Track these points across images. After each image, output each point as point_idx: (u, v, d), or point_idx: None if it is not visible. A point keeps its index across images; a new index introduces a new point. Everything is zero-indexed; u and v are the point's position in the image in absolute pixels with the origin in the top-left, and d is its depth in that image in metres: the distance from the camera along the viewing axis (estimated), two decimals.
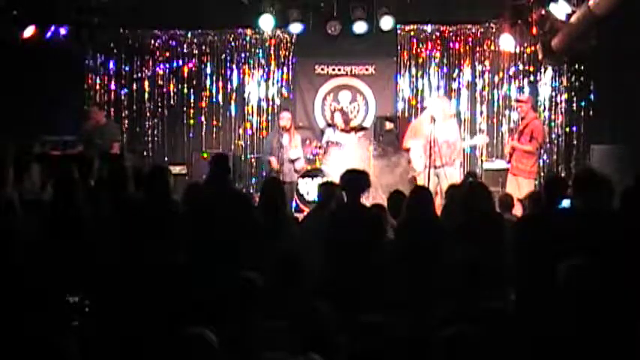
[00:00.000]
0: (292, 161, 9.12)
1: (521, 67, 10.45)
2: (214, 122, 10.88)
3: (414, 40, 10.64)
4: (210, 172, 5.46)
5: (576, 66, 10.15)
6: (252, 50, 10.85)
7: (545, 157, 10.12)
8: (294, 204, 9.07)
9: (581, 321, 3.44)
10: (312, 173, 9.23)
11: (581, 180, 4.54)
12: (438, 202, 6.91)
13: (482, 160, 10.26)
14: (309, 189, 9.06)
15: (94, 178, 5.72)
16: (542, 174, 9.44)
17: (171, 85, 10.88)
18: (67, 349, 2.75)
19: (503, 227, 4.87)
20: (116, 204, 5.10)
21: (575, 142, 10.27)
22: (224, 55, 10.86)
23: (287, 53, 10.84)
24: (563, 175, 9.97)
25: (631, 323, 3.51)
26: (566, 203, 4.62)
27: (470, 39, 10.55)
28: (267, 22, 9.97)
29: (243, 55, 10.85)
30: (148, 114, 10.92)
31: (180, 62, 10.84)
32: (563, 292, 3.59)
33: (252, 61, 10.84)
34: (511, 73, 10.49)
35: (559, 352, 3.37)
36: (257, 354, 3.10)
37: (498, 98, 10.57)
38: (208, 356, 2.88)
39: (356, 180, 5.06)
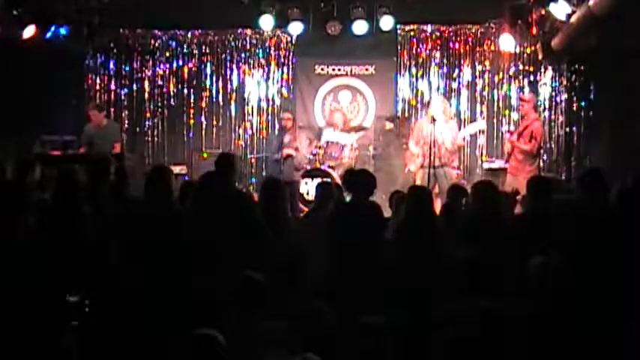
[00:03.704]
0: (281, 160, 9.09)
1: (521, 67, 10.44)
2: (214, 122, 10.88)
3: (414, 40, 10.64)
4: (215, 170, 5.40)
5: (576, 66, 10.14)
6: (252, 50, 10.85)
7: (545, 157, 10.11)
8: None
9: (554, 317, 3.47)
10: (313, 173, 9.22)
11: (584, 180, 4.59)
12: (437, 202, 6.92)
13: (482, 160, 10.26)
14: (309, 189, 9.06)
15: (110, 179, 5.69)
16: (542, 174, 9.43)
17: (171, 85, 10.89)
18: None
19: (506, 227, 4.89)
20: (116, 204, 5.11)
21: (575, 142, 10.26)
22: (224, 55, 10.87)
23: (287, 53, 10.85)
24: (563, 175, 10.00)
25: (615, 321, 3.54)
26: None
27: (470, 39, 10.55)
28: (267, 22, 9.97)
29: (243, 55, 10.86)
30: (148, 114, 10.92)
31: (181, 62, 10.85)
32: (534, 289, 3.64)
33: (252, 61, 10.85)
34: (511, 73, 10.48)
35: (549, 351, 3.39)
36: (257, 354, 3.10)
37: (498, 98, 10.56)
38: (217, 357, 2.88)
39: (366, 183, 5.13)
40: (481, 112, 10.58)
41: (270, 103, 10.89)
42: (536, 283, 3.71)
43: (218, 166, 5.24)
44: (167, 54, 10.85)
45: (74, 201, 4.74)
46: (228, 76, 10.88)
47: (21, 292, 3.92)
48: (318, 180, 8.22)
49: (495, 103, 10.58)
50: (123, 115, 10.84)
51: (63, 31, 9.28)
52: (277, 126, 10.38)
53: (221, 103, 10.89)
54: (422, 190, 5.41)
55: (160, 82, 10.89)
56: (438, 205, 6.39)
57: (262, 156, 10.54)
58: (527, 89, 10.21)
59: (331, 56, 10.73)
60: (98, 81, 10.85)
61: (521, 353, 3.37)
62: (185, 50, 10.85)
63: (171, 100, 10.90)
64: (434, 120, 8.08)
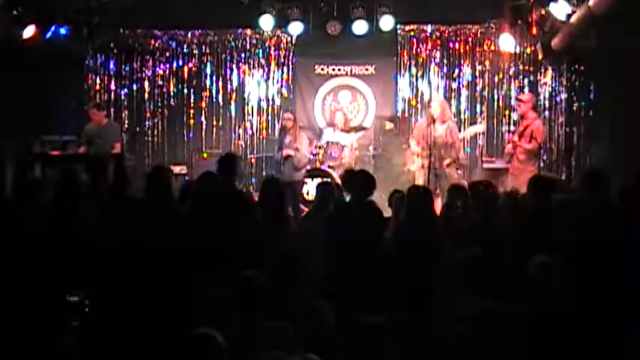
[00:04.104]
0: (284, 159, 9.08)
1: (521, 67, 10.44)
2: (214, 122, 10.88)
3: (414, 40, 10.65)
4: (217, 170, 5.40)
5: (576, 66, 10.14)
6: (252, 50, 10.85)
7: (545, 157, 10.11)
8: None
9: (554, 317, 3.48)
10: (313, 173, 9.22)
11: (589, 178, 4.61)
12: (438, 203, 6.92)
13: (482, 160, 10.26)
14: (309, 189, 9.06)
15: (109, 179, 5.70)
16: (542, 174, 9.42)
17: (172, 85, 10.89)
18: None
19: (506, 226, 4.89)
20: (117, 204, 5.11)
21: (575, 142, 10.26)
22: (224, 55, 10.87)
23: (287, 53, 10.85)
24: (563, 175, 9.99)
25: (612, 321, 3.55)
26: None
27: (470, 39, 10.56)
28: (267, 22, 9.98)
29: (243, 55, 10.86)
30: (148, 114, 10.92)
31: (181, 62, 10.85)
32: (534, 289, 3.65)
33: (252, 61, 10.85)
34: (511, 73, 10.48)
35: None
36: (257, 354, 3.10)
37: (498, 98, 10.56)
38: (217, 357, 2.88)
39: (365, 183, 5.15)
40: (481, 112, 10.58)
41: (270, 103, 10.89)
42: (536, 282, 3.72)
43: (220, 166, 5.25)
44: (167, 54, 10.86)
45: (75, 201, 4.74)
46: (228, 76, 10.89)
47: (21, 292, 3.92)
48: (318, 180, 8.23)
49: (495, 103, 10.58)
50: (123, 115, 10.84)
51: (63, 31, 9.28)
52: (277, 126, 10.38)
53: (221, 103, 10.89)
54: (422, 189, 5.40)
55: (160, 82, 10.89)
56: (438, 205, 6.40)
57: (262, 156, 10.55)
58: (526, 89, 10.21)
59: (331, 56, 10.74)
60: (98, 81, 10.85)
61: (521, 353, 3.37)
62: (185, 50, 10.86)
63: (171, 100, 10.90)
64: (433, 120, 8.08)
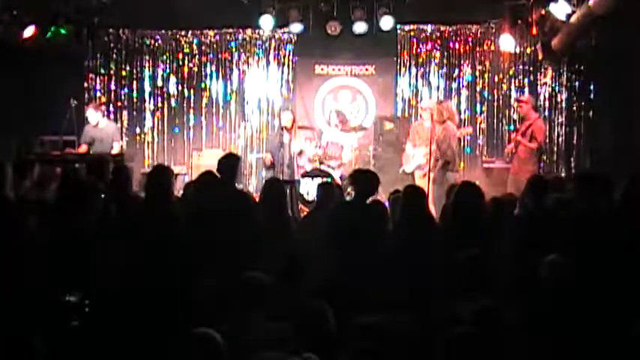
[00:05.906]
0: (299, 154, 9.10)
1: (521, 67, 10.45)
2: (214, 122, 10.89)
3: (414, 40, 10.65)
4: (217, 169, 5.39)
5: (576, 66, 10.15)
6: (252, 50, 10.85)
7: (544, 157, 10.11)
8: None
9: (560, 316, 3.48)
10: (313, 173, 9.22)
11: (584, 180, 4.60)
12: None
13: (482, 160, 10.26)
14: (309, 189, 9.06)
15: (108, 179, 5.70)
16: (542, 174, 9.42)
17: (171, 85, 10.88)
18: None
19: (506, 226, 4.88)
20: (117, 204, 5.11)
21: (575, 142, 10.27)
22: (224, 55, 10.87)
23: (287, 53, 10.85)
24: (563, 174, 10.00)
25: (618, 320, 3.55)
26: None
27: (470, 39, 10.56)
28: (267, 22, 9.98)
29: (243, 55, 10.85)
30: (147, 114, 10.92)
31: (180, 62, 10.85)
32: (543, 289, 3.65)
33: (252, 61, 10.85)
34: (511, 73, 10.48)
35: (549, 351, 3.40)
36: (257, 354, 3.10)
37: (498, 98, 10.57)
38: (217, 357, 2.88)
39: (368, 182, 5.15)
40: (481, 112, 10.59)
41: (270, 103, 10.89)
42: (544, 282, 3.71)
43: (221, 166, 5.25)
44: (167, 54, 10.86)
45: (76, 201, 4.74)
46: (228, 76, 10.88)
47: (21, 291, 3.92)
48: (318, 180, 8.23)
49: (495, 103, 10.59)
50: (123, 115, 10.84)
51: (63, 31, 9.27)
52: (277, 126, 10.38)
53: (221, 103, 10.89)
54: (415, 189, 5.40)
55: (160, 82, 10.89)
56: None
57: (262, 156, 10.55)
58: (526, 89, 10.22)
59: (331, 56, 10.73)
60: (98, 81, 10.84)
61: (521, 353, 3.37)
62: (185, 50, 10.85)
63: (171, 100, 10.90)
64: (433, 121, 8.07)
